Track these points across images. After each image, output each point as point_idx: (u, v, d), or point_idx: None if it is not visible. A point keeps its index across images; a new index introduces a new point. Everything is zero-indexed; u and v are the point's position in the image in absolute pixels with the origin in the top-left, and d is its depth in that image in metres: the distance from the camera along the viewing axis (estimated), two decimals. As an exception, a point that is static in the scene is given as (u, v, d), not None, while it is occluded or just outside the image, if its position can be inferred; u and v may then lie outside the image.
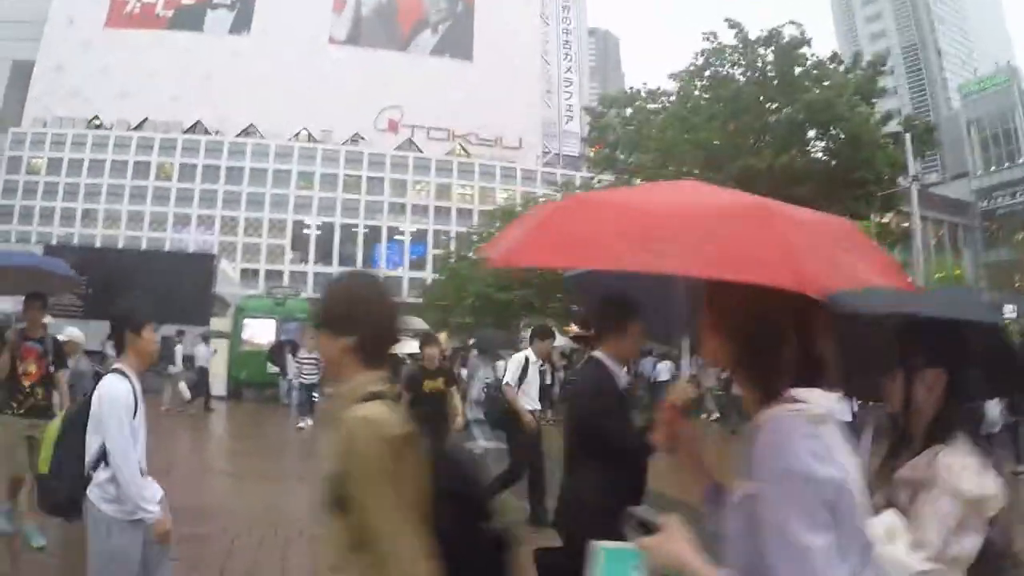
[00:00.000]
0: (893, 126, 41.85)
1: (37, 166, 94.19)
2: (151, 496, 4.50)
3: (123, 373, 4.59)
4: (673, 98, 44.90)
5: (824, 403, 1.85)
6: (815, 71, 41.04)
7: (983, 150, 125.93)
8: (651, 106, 45.52)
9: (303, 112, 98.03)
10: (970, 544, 2.57)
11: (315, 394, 21.28)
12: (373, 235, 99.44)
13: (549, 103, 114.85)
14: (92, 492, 4.41)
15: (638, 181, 44.65)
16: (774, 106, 41.98)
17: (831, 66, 41.65)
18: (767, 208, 1.95)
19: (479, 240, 49.23)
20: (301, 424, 20.08)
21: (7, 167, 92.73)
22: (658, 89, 45.94)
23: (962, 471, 2.58)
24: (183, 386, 24.11)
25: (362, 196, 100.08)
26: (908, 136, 32.77)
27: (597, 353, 4.85)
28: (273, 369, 27.39)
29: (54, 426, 4.92)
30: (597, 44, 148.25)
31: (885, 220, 36.40)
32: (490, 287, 40.58)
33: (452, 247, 66.99)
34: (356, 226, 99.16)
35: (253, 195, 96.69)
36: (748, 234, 1.79)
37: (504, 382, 10.85)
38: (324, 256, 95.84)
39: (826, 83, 40.21)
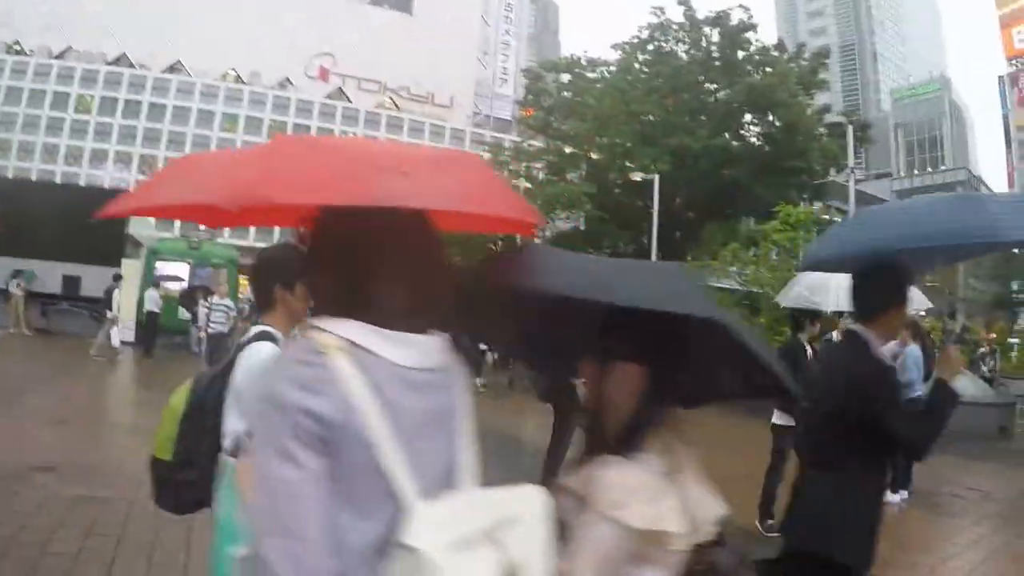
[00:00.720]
0: (829, 119, 42.08)
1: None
2: None
3: (273, 338, 3.67)
4: (613, 69, 44.77)
5: (355, 336, 1.69)
6: (758, 56, 41.09)
7: (907, 154, 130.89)
8: (590, 75, 45.25)
9: (232, 52, 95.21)
10: None
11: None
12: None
13: (485, 64, 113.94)
14: None
15: (569, 151, 44.58)
16: (714, 87, 41.97)
17: (775, 54, 41.61)
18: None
19: None
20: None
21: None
22: (599, 58, 45.75)
23: (625, 494, 2.06)
24: (114, 332, 23.38)
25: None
26: (851, 127, 32.67)
27: (856, 327, 4.12)
28: (186, 315, 26.75)
29: (178, 400, 3.78)
30: (537, 11, 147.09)
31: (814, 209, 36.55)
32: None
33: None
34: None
35: (175, 134, 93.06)
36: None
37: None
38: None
39: (769, 69, 40.25)
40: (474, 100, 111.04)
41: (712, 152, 39.43)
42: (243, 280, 29.72)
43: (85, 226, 30.70)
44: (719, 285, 32.78)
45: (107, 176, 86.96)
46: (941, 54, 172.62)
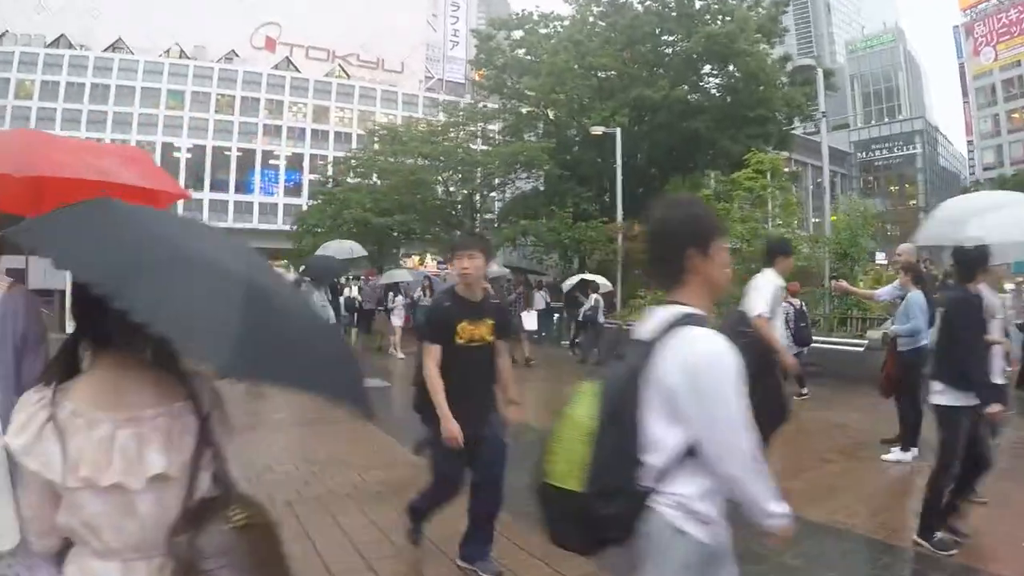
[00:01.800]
0: (793, 65, 41.07)
1: None
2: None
3: (701, 321, 2.89)
4: (567, 23, 43.66)
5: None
6: (716, 5, 40.06)
7: (864, 105, 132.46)
8: (543, 31, 44.18)
9: (174, 27, 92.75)
10: None
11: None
12: (247, 159, 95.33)
13: (435, 27, 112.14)
14: (667, 510, 2.78)
15: (525, 110, 43.49)
16: (672, 38, 40.92)
17: (733, 2, 40.48)
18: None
19: (358, 164, 47.01)
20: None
21: None
22: (551, 13, 44.61)
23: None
24: None
25: (236, 117, 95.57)
26: (820, 72, 31.67)
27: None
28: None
29: (584, 410, 2.84)
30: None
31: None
32: (368, 211, 38.24)
33: (329, 171, 64.10)
34: (229, 149, 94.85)
35: (120, 115, 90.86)
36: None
37: (756, 313, 7.72)
38: (195, 181, 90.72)
39: (727, 18, 39.15)
40: (426, 64, 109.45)
41: (672, 104, 38.48)
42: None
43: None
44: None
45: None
46: (891, 5, 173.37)
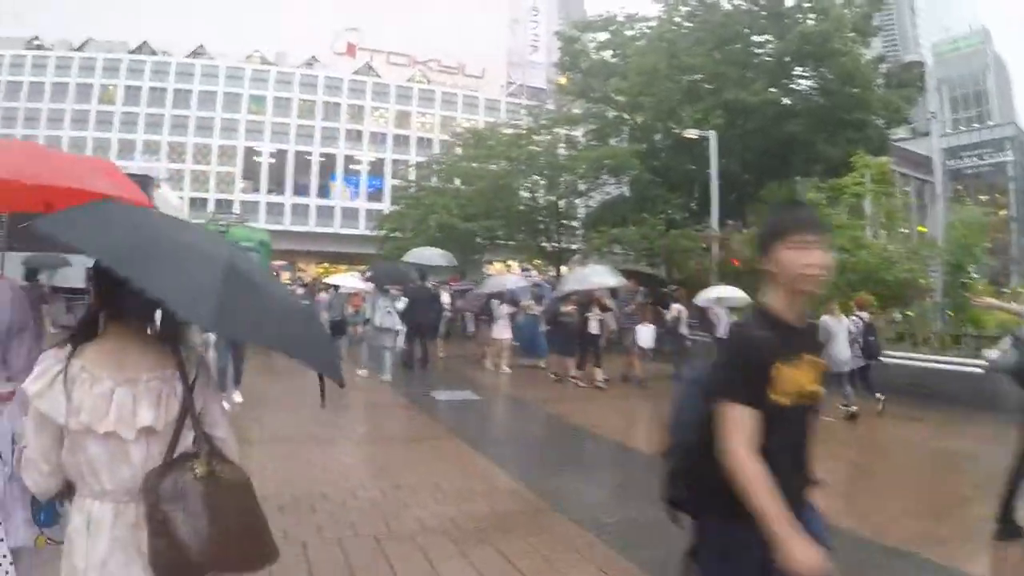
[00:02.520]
0: (885, 66, 39.69)
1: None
2: None
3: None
4: (653, 23, 42.41)
5: None
6: (807, 3, 38.38)
7: (952, 110, 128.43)
8: (628, 32, 42.86)
9: (256, 33, 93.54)
10: None
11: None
12: (328, 163, 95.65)
13: (515, 32, 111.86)
14: None
15: (611, 114, 42.36)
16: (763, 39, 39.42)
17: (822, 2, 38.65)
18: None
19: (440, 168, 46.37)
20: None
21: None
22: (636, 14, 43.37)
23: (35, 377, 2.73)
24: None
25: (317, 122, 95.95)
26: (926, 68, 30.10)
27: None
28: None
29: None
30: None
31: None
32: (454, 216, 37.48)
33: (411, 176, 63.45)
34: (310, 154, 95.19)
35: (202, 119, 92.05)
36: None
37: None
38: (277, 185, 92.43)
39: (815, 17, 37.53)
40: (507, 69, 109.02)
41: (767, 107, 37.19)
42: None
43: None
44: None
45: (135, 167, 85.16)
46: (976, 9, 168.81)
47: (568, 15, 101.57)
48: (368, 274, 23.17)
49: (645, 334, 20.65)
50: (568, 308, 19.92)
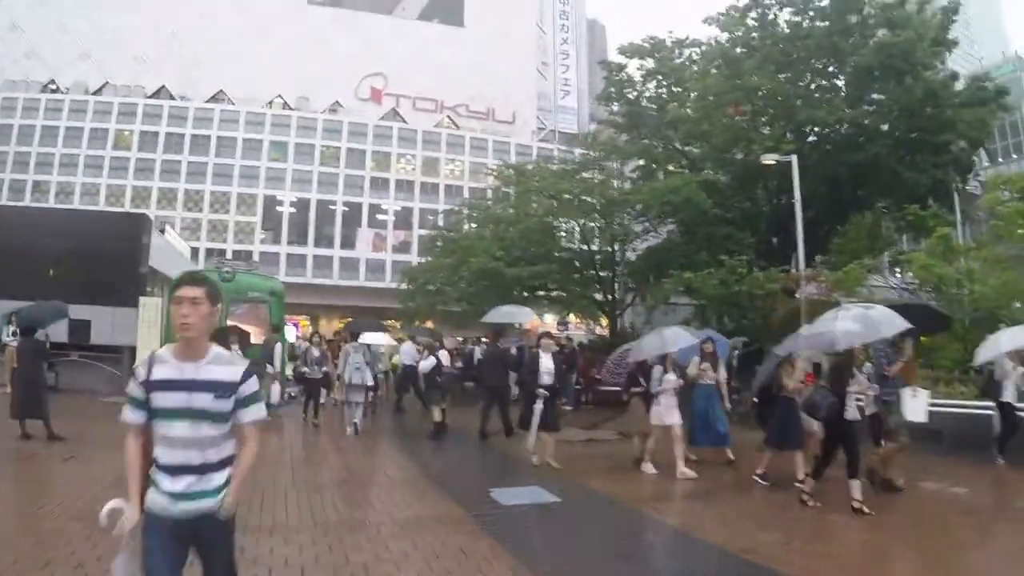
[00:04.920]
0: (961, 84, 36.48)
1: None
2: None
3: None
4: (704, 47, 38.50)
5: None
6: (876, 14, 34.22)
7: (989, 141, 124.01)
8: (677, 61, 39.46)
9: (278, 78, 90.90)
10: None
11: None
12: (353, 213, 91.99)
13: (545, 75, 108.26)
14: None
15: (660, 148, 38.00)
16: (823, 62, 35.54)
17: (896, 12, 34.33)
18: None
19: (472, 213, 43.06)
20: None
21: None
22: (686, 38, 39.69)
23: None
24: (275, 389, 20.47)
25: (341, 170, 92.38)
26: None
27: None
28: None
29: None
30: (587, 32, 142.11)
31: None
32: (498, 260, 32.74)
33: (440, 223, 58.66)
34: (334, 203, 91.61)
35: (220, 167, 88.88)
36: None
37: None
38: (299, 236, 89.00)
39: (887, 31, 33.47)
40: (537, 114, 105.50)
41: (841, 127, 33.99)
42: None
43: (95, 259, 26.19)
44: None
45: (151, 215, 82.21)
46: (1004, 43, 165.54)
47: (593, 67, 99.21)
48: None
49: (915, 405, 12.71)
50: (793, 381, 12.77)
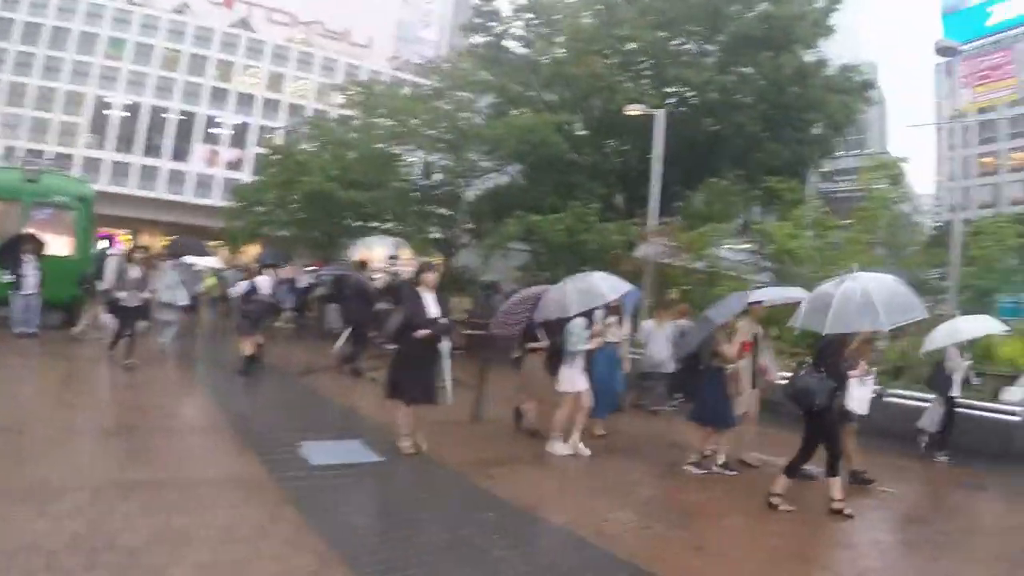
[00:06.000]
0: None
1: None
2: None
3: None
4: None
5: None
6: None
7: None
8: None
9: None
10: None
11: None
12: (187, 124, 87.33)
13: (407, 4, 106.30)
14: None
15: (517, 88, 36.08)
16: (700, 26, 34.54)
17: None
18: None
19: (312, 132, 40.10)
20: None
21: None
22: None
23: None
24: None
25: (180, 75, 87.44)
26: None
27: None
28: (7, 277, 18.53)
29: None
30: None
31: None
32: (332, 181, 30.75)
33: (279, 140, 55.41)
34: (168, 110, 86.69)
35: (52, 59, 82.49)
36: None
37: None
38: (126, 143, 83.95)
39: (781, 2, 33.16)
40: (395, 43, 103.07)
41: (710, 92, 32.48)
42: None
43: None
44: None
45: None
46: (856, 40, 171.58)
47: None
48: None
49: (860, 395, 10.73)
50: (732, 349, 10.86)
